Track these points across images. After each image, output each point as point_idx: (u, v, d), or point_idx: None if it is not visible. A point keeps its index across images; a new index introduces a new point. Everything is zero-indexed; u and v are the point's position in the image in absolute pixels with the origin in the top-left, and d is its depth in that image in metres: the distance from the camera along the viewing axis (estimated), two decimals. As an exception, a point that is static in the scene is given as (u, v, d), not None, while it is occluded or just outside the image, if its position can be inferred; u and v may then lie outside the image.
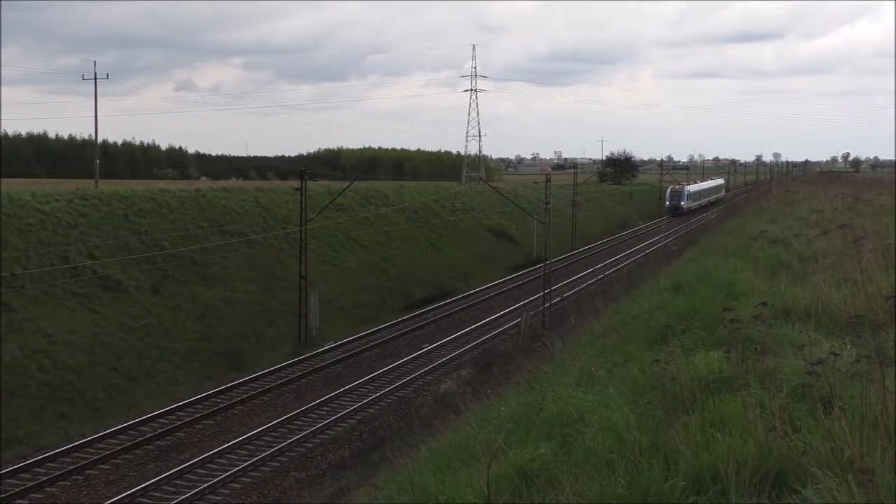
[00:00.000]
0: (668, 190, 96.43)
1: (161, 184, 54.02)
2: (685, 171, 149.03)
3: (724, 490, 4.92)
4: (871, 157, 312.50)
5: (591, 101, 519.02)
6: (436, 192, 67.53)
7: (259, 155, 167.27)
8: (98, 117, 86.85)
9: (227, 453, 22.82)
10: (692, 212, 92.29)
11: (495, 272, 54.52)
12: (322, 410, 26.61)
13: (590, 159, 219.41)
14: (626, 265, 53.59)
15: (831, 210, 27.52)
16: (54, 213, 35.35)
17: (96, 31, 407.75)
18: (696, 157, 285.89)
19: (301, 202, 38.03)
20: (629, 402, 7.20)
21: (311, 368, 31.41)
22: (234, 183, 64.88)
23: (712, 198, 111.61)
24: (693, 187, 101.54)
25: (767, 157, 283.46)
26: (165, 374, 30.38)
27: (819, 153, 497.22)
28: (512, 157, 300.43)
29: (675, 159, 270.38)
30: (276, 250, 42.85)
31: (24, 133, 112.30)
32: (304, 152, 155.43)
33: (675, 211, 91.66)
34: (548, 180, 44.07)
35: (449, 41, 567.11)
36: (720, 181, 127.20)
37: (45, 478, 20.82)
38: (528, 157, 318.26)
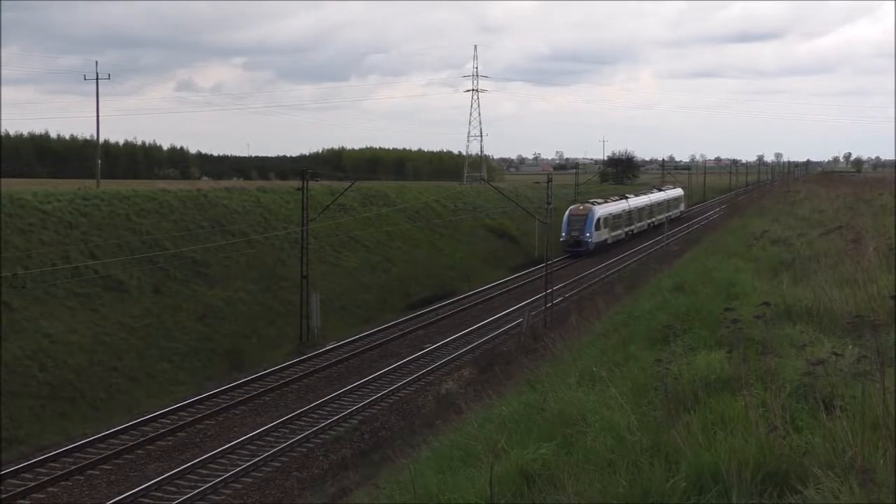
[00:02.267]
0: (567, 213, 63.11)
1: (162, 184, 54.06)
2: (686, 171, 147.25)
3: (725, 490, 4.92)
4: (873, 158, 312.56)
5: (591, 101, 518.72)
6: (437, 192, 67.57)
7: (260, 155, 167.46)
8: (99, 117, 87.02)
9: (228, 453, 22.83)
10: (609, 246, 63.98)
11: (497, 272, 54.54)
12: (323, 410, 26.62)
13: (591, 159, 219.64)
14: (627, 265, 53.63)
15: (833, 210, 27.49)
16: (55, 212, 35.37)
17: (97, 30, 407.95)
18: (698, 157, 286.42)
19: (302, 202, 38.05)
20: (630, 402, 7.20)
21: (312, 368, 31.42)
22: (235, 183, 64.89)
23: (657, 219, 78.33)
24: (610, 207, 67.26)
25: (769, 158, 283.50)
26: (167, 373, 30.40)
27: (820, 153, 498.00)
28: (513, 156, 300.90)
29: (677, 159, 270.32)
30: (277, 250, 42.89)
31: (25, 133, 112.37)
32: (306, 152, 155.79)
33: (577, 247, 61.17)
34: (549, 180, 44.16)
35: (449, 41, 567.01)
36: (675, 192, 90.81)
37: (46, 478, 20.84)
38: (530, 157, 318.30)
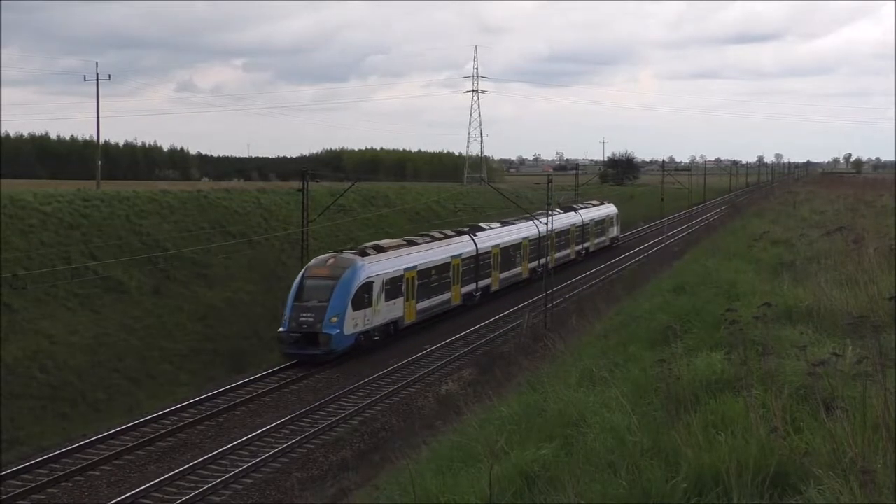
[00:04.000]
0: (301, 273, 31.59)
1: (162, 185, 54.11)
2: (687, 172, 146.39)
3: (725, 491, 4.92)
4: (873, 159, 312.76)
5: (591, 102, 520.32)
6: (437, 193, 67.60)
7: (260, 156, 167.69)
8: (100, 118, 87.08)
9: (228, 454, 22.79)
10: (405, 332, 34.94)
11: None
12: (324, 411, 26.59)
13: (591, 160, 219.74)
14: (627, 266, 53.60)
15: (833, 211, 27.51)
16: (56, 213, 35.38)
17: (97, 31, 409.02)
18: (698, 158, 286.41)
19: (303, 203, 38.04)
20: (631, 402, 7.20)
21: (312, 369, 31.35)
22: (235, 184, 64.97)
23: (558, 256, 50.03)
24: (409, 254, 35.67)
25: (769, 158, 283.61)
26: (167, 374, 30.39)
27: (820, 154, 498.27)
28: (514, 157, 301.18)
29: (677, 160, 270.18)
30: (277, 251, 42.89)
31: (25, 134, 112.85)
32: (306, 153, 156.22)
33: (307, 346, 30.08)
34: (549, 181, 44.04)
35: (449, 42, 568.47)
36: (600, 212, 63.21)
37: (46, 479, 20.81)
38: (530, 157, 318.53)
